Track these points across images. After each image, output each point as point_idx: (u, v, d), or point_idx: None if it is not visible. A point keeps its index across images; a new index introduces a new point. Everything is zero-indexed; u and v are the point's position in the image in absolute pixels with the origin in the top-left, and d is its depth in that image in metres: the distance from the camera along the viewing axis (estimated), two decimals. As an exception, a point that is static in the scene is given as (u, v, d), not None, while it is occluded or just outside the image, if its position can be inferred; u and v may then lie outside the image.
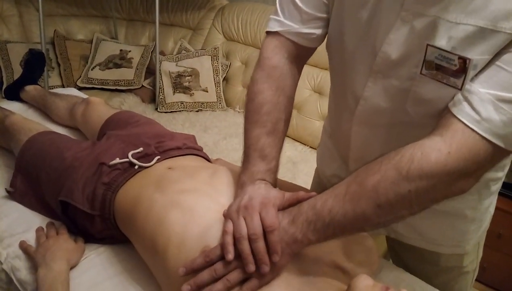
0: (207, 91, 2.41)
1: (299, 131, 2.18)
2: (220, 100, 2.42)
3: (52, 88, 2.29)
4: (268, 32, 0.82)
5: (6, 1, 2.50)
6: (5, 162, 1.23)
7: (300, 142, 2.17)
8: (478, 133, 0.59)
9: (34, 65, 1.78)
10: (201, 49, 2.55)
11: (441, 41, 0.61)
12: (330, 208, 0.64)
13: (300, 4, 0.77)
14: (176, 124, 2.23)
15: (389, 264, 1.01)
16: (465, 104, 0.60)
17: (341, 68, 0.79)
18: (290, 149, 2.10)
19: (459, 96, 0.61)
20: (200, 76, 2.42)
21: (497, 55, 0.59)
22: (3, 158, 1.25)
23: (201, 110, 2.39)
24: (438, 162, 0.59)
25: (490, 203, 0.90)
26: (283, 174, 1.94)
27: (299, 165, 1.98)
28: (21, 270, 0.90)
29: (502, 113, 0.58)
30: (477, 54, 0.59)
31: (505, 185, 1.77)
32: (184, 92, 2.41)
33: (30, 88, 1.59)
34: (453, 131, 0.60)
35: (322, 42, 0.82)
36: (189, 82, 2.42)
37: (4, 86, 2.21)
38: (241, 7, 2.53)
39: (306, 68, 2.43)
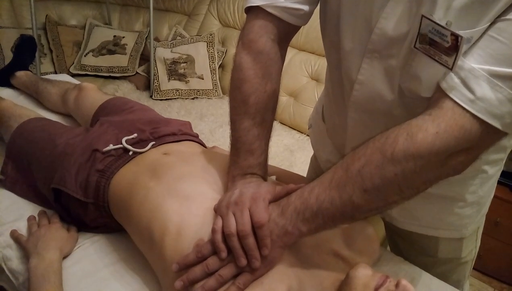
0: (203, 79, 2.37)
1: (296, 119, 2.15)
2: (216, 88, 2.38)
3: (45, 75, 2.25)
4: (249, 9, 0.75)
5: (-4, -15, 2.44)
6: (-5, 149, 1.20)
7: (297, 130, 2.15)
8: (471, 113, 0.55)
9: (25, 50, 1.73)
10: (196, 35, 2.50)
11: (440, 12, 0.56)
12: (317, 195, 0.63)
13: None
14: (171, 112, 2.20)
15: (388, 252, 1.00)
16: (457, 81, 0.56)
17: (335, 51, 0.75)
18: (287, 137, 2.08)
19: (451, 73, 0.57)
20: (195, 63, 2.38)
21: (491, 24, 0.54)
22: (-7, 144, 1.22)
23: (196, 97, 2.36)
24: (425, 142, 0.56)
25: (491, 187, 0.88)
26: (280, 163, 1.92)
27: (296, 153, 1.96)
28: (13, 259, 0.88)
29: (498, 91, 0.54)
30: (474, 25, 0.55)
31: (503, 174, 1.77)
32: (179, 80, 2.37)
33: (21, 74, 1.55)
34: (442, 110, 0.56)
35: (309, 20, 0.77)
36: (184, 69, 2.38)
37: (-5, 72, 2.17)
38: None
39: (303, 55, 2.40)
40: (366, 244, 0.80)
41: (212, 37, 2.42)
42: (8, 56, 2.28)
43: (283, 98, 2.18)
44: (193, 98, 2.35)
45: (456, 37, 0.55)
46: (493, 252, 1.89)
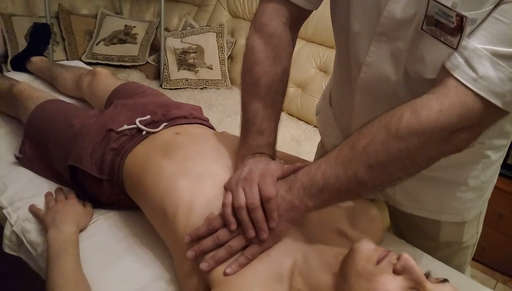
0: (212, 69, 2.41)
1: (304, 110, 2.18)
2: (224, 78, 2.41)
3: (57, 62, 2.29)
4: None
5: (10, -26, 2.47)
6: (13, 129, 1.24)
7: (305, 121, 2.18)
8: (473, 91, 0.57)
9: (40, 36, 1.78)
10: (206, 26, 2.53)
11: None
12: (323, 171, 0.65)
13: None
14: (180, 101, 2.23)
15: (391, 235, 1.02)
16: (461, 61, 0.58)
17: (344, 34, 0.77)
18: (294, 128, 2.11)
19: (455, 53, 0.59)
20: (205, 53, 2.41)
21: (496, 6, 0.57)
22: (11, 125, 1.26)
23: (205, 87, 2.39)
24: (428, 119, 0.58)
25: (493, 173, 0.90)
26: (289, 152, 1.94)
27: (303, 143, 1.99)
28: (31, 232, 0.92)
29: (500, 70, 0.56)
30: (479, 7, 0.57)
31: (507, 166, 1.78)
32: (189, 69, 2.40)
33: (36, 59, 1.59)
34: (446, 89, 0.59)
35: (320, 4, 0.79)
36: (193, 59, 2.41)
37: (9, 58, 2.21)
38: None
39: (311, 47, 2.42)
40: (370, 224, 0.83)
41: (221, 28, 2.45)
42: (22, 43, 2.32)
43: (291, 90, 2.21)
44: (202, 88, 2.39)
45: (461, 18, 0.57)
46: (497, 245, 1.91)
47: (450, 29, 0.59)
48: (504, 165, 1.83)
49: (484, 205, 0.97)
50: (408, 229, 1.03)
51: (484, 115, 0.59)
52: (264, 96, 0.77)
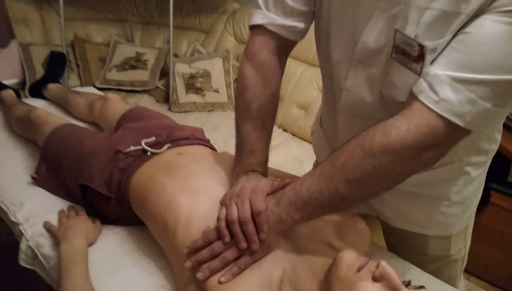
0: (218, 92, 2.50)
1: (306, 131, 2.24)
2: (230, 101, 2.50)
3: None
4: (252, 27, 0.85)
5: (29, 6, 2.63)
6: (29, 152, 1.34)
7: (308, 141, 2.23)
8: (436, 112, 0.63)
9: (56, 65, 1.90)
10: (213, 52, 2.64)
11: (411, 27, 0.65)
12: (308, 186, 0.72)
13: None
14: (187, 123, 2.28)
15: (382, 249, 1.07)
16: (425, 85, 0.64)
17: (327, 62, 0.85)
18: (297, 148, 2.17)
19: (421, 79, 0.66)
20: (211, 77, 2.52)
21: (453, 36, 0.63)
22: (28, 148, 1.36)
23: (212, 110, 2.48)
24: (397, 138, 0.64)
25: (476, 189, 0.94)
26: (290, 172, 2.00)
27: (305, 163, 2.05)
28: (45, 246, 0.99)
29: (459, 93, 0.62)
30: (439, 37, 0.64)
31: (507, 184, 1.81)
32: (196, 93, 2.50)
33: (52, 86, 1.71)
34: (412, 111, 0.65)
35: (305, 35, 0.86)
36: (201, 83, 2.51)
37: (27, 85, 2.34)
38: (252, 11, 2.62)
39: (313, 70, 2.49)
40: (357, 237, 0.87)
41: (227, 53, 2.56)
42: (39, 71, 2.45)
43: (294, 111, 2.28)
44: (208, 111, 2.48)
45: (421, 47, 0.65)
46: (499, 262, 1.92)
47: (414, 57, 0.66)
48: (505, 183, 1.87)
49: (470, 220, 1.01)
50: (399, 243, 1.07)
51: (447, 134, 0.65)
52: (255, 119, 0.84)
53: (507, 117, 1.71)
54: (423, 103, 0.65)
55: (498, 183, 1.79)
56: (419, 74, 0.66)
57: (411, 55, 0.67)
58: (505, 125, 1.83)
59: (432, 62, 0.65)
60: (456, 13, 0.62)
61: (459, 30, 0.63)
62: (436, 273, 1.03)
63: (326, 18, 0.80)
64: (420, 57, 0.65)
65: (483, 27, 0.60)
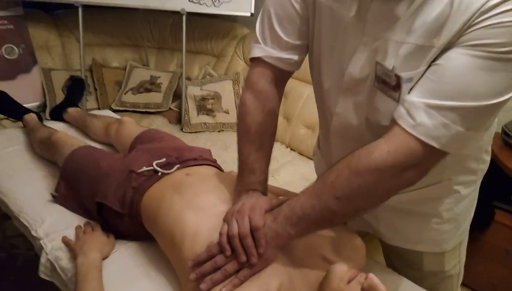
0: (228, 113, 2.60)
1: (313, 150, 2.31)
2: (240, 122, 2.59)
3: (89, 111, 2.53)
4: (252, 59, 0.93)
5: (51, 33, 2.79)
6: (50, 171, 1.44)
7: (314, 160, 2.30)
8: (414, 136, 0.69)
9: (76, 90, 2.02)
10: (223, 74, 2.75)
11: (390, 59, 0.72)
12: (302, 203, 0.78)
13: (280, 33, 0.88)
14: (198, 143, 2.40)
15: (379, 265, 1.11)
16: (403, 111, 0.70)
17: (320, 90, 0.92)
18: (304, 167, 2.23)
19: (400, 105, 0.72)
20: (222, 99, 2.62)
21: (428, 67, 0.69)
22: (49, 168, 1.46)
23: (222, 130, 2.57)
24: (380, 159, 0.71)
25: (467, 206, 0.99)
26: (297, 189, 2.04)
27: (312, 181, 2.10)
28: (63, 259, 1.07)
29: (433, 118, 0.67)
30: (414, 68, 0.70)
31: (510, 201, 1.83)
32: (207, 114, 2.60)
33: (71, 110, 1.82)
34: (393, 134, 0.71)
35: (300, 66, 0.94)
36: (212, 105, 2.61)
37: (48, 109, 2.48)
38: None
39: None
40: (353, 252, 0.93)
41: (237, 75, 2.66)
42: (59, 94, 2.58)
43: (301, 131, 2.35)
44: (219, 131, 2.57)
45: (398, 78, 0.72)
46: (506, 281, 1.92)
47: (392, 86, 0.73)
48: (509, 201, 1.89)
49: (464, 236, 1.05)
50: (397, 260, 1.12)
51: (426, 155, 0.71)
52: (254, 141, 0.92)
53: (510, 136, 1.75)
54: (402, 128, 0.71)
55: (502, 201, 1.82)
56: (398, 101, 0.73)
57: (390, 85, 0.74)
58: (508, 144, 1.85)
59: (410, 90, 0.72)
60: (429, 46, 0.68)
61: (432, 61, 0.69)
62: (433, 288, 1.07)
63: (317, 51, 0.88)
64: (397, 86, 0.72)
65: (451, 59, 0.67)
